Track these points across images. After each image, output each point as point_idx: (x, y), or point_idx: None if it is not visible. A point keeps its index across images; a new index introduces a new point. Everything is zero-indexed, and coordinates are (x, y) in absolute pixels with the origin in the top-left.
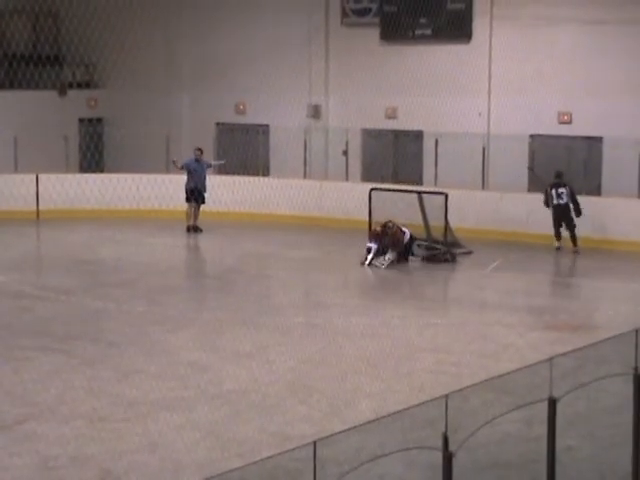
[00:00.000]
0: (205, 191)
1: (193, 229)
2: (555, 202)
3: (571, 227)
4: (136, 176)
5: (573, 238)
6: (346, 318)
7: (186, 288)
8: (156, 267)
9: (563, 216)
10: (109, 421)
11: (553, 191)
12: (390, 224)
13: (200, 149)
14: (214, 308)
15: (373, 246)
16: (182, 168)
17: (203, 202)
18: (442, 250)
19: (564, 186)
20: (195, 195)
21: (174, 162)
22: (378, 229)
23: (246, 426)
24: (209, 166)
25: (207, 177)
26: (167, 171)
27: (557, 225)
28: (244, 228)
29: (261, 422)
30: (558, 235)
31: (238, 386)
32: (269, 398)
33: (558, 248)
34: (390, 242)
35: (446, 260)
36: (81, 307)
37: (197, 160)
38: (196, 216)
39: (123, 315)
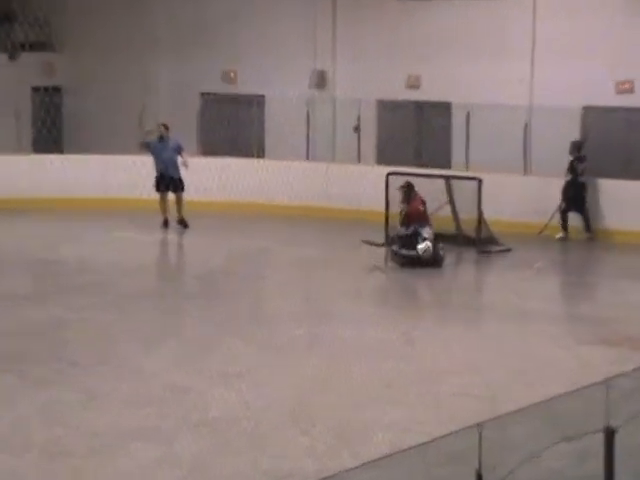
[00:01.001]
0: (177, 176)
1: (179, 223)
2: (581, 179)
3: (585, 209)
4: (103, 158)
5: (587, 222)
6: (357, 331)
7: (164, 294)
8: (128, 268)
9: (578, 197)
10: (71, 455)
11: (580, 165)
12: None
13: (165, 125)
14: (197, 318)
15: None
16: (145, 147)
17: (179, 190)
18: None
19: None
20: (166, 181)
21: (147, 134)
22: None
23: (236, 460)
24: (179, 150)
25: (178, 160)
26: (141, 152)
27: (567, 208)
28: (234, 221)
29: (254, 456)
30: (566, 221)
31: (226, 413)
32: (263, 427)
33: (563, 238)
34: (415, 215)
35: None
36: (37, 317)
37: (161, 139)
38: (179, 207)
39: (88, 327)
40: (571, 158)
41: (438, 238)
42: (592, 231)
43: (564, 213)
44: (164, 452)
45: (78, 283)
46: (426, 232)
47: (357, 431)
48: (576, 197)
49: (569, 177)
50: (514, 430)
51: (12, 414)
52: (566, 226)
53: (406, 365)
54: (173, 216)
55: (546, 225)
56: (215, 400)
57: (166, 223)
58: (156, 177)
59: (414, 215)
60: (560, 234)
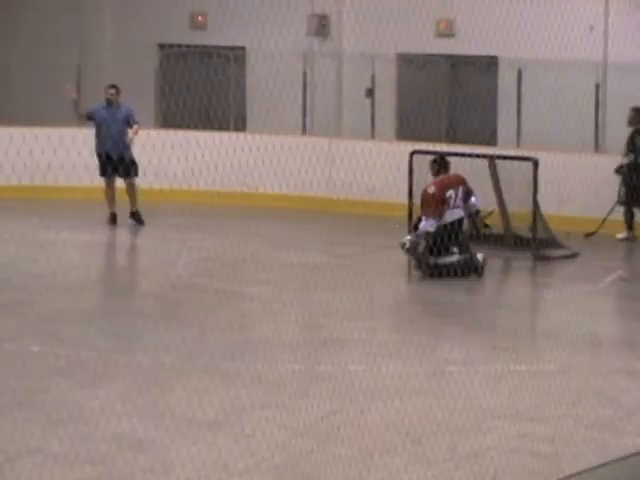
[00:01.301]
0: (128, 157)
1: (132, 218)
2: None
3: None
4: (28, 131)
5: None
6: (371, 364)
7: (110, 315)
8: (62, 281)
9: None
10: None
11: None
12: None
13: (115, 86)
14: (156, 347)
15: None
16: (87, 118)
17: (132, 174)
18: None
19: None
20: (113, 163)
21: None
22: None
23: None
24: (131, 122)
25: (129, 135)
26: (80, 124)
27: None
28: (204, 217)
29: None
30: (631, 217)
31: (195, 477)
32: None
33: (627, 239)
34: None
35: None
36: None
37: (109, 104)
38: (132, 197)
39: (8, 358)
40: (631, 130)
41: (476, 239)
42: None
43: (629, 206)
44: None
45: None
46: (425, 225)
47: None
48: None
49: (630, 157)
50: None
51: None
52: (631, 223)
53: (435, 410)
54: (123, 209)
55: (603, 221)
56: (179, 459)
57: (114, 218)
58: (100, 157)
59: (422, 201)
60: (623, 234)
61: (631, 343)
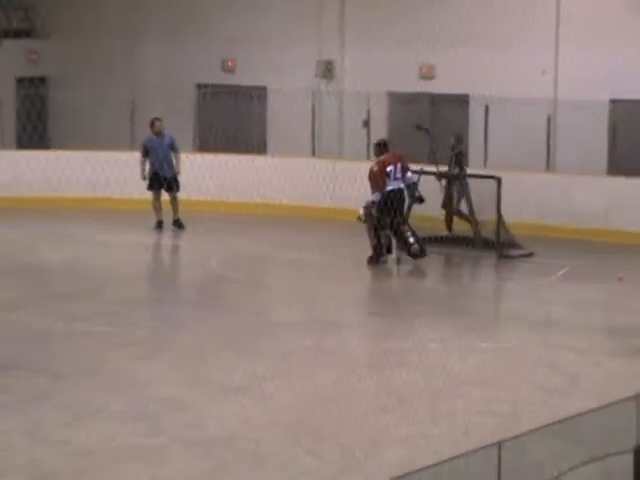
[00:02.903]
0: (171, 175)
1: (175, 224)
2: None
3: None
4: (92, 154)
5: None
6: (367, 341)
7: (158, 301)
8: (119, 274)
9: None
10: (56, 476)
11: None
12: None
13: (160, 119)
14: (194, 327)
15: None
16: (144, 154)
17: (174, 189)
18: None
19: None
20: (160, 180)
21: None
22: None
23: None
24: (174, 148)
25: (173, 158)
26: (132, 148)
27: None
28: (232, 222)
29: (254, 478)
30: None
31: (225, 430)
32: (265, 446)
33: None
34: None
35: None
36: (20, 326)
37: (157, 134)
38: (174, 207)
39: (76, 337)
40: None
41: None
42: None
43: None
44: (156, 474)
45: (65, 290)
46: (372, 197)
47: (367, 449)
48: None
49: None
50: (536, 450)
51: None
52: None
53: (419, 378)
54: (168, 217)
55: None
56: (213, 416)
57: (160, 224)
58: (150, 175)
59: (369, 178)
60: None
61: (576, 325)
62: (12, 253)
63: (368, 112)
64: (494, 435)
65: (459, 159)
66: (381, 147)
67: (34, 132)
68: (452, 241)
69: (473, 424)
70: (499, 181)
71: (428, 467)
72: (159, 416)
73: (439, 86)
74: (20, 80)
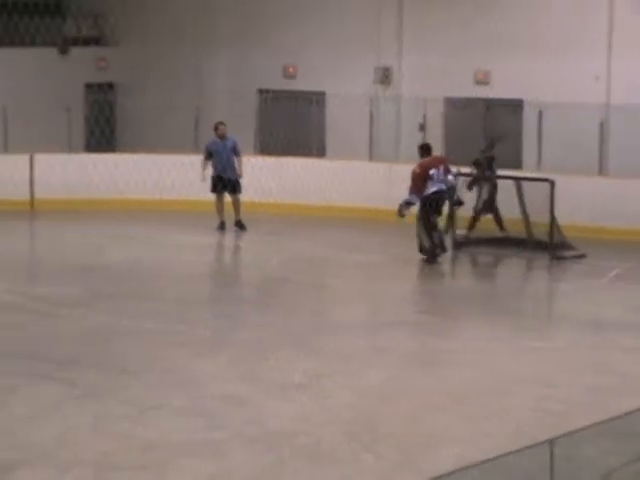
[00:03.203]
0: (234, 177)
1: (237, 225)
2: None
3: None
4: (157, 157)
5: None
6: (422, 340)
7: (220, 300)
8: (181, 273)
9: None
10: (120, 469)
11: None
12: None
13: (222, 123)
14: (255, 326)
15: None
16: (207, 157)
17: (237, 191)
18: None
19: None
20: (223, 182)
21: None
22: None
23: (293, 479)
24: (236, 151)
25: (235, 161)
26: (197, 151)
27: None
28: (292, 224)
29: (313, 474)
30: None
31: (284, 427)
32: (323, 443)
33: None
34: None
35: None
36: (86, 324)
37: (220, 138)
38: (236, 209)
39: (139, 335)
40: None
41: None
42: None
43: None
44: (216, 468)
45: (129, 289)
46: (409, 198)
47: (422, 446)
48: None
49: None
50: (587, 447)
51: (60, 426)
52: None
53: (474, 377)
54: (230, 218)
55: None
56: (272, 413)
57: (223, 225)
58: (213, 178)
59: (411, 178)
60: None
61: (627, 325)
62: (77, 254)
63: (424, 117)
64: (546, 433)
65: (490, 163)
66: (424, 150)
67: (102, 136)
68: (505, 242)
69: (525, 422)
70: (552, 184)
71: (481, 463)
72: (219, 412)
73: (494, 91)
74: (89, 86)
